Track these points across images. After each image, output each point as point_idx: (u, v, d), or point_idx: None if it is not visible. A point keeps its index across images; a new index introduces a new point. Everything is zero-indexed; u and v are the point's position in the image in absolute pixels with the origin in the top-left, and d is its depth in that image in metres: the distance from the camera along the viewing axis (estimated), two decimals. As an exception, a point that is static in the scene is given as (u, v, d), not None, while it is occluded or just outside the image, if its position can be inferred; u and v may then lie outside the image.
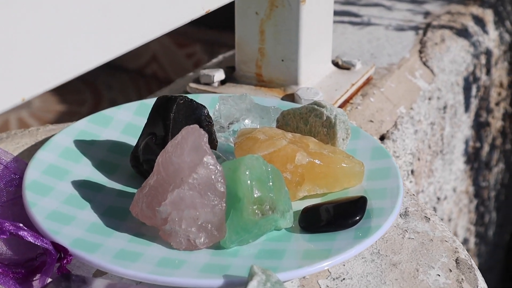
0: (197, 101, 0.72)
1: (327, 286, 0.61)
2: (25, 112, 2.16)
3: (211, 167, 0.62)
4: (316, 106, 0.73)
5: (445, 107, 1.08)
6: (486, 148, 1.30)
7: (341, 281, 0.62)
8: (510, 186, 1.52)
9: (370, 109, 0.93)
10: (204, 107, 0.73)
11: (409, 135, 0.95)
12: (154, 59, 2.36)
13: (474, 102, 1.20)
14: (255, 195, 0.62)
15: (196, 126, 0.64)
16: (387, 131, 0.91)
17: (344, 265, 0.64)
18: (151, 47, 2.34)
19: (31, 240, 0.58)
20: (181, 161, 0.63)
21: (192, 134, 0.63)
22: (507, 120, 1.39)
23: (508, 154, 1.44)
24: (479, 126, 1.25)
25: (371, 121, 0.91)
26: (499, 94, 1.33)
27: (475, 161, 1.26)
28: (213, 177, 0.62)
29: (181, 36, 2.29)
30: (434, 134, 1.05)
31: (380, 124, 0.91)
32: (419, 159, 0.99)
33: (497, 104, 1.32)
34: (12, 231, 0.58)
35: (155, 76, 2.36)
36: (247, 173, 0.62)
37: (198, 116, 0.72)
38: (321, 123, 0.73)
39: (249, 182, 0.62)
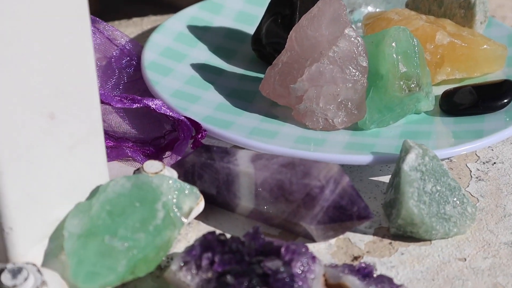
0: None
1: (478, 170, 0.57)
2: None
3: (353, 39, 0.57)
4: (453, -14, 0.67)
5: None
6: None
7: (492, 165, 0.57)
8: None
9: (491, 4, 0.86)
10: (330, -13, 0.68)
11: (532, 33, 0.89)
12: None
13: None
14: (402, 71, 0.57)
15: (334, -3, 0.59)
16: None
17: (492, 150, 0.59)
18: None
19: (165, 112, 0.55)
20: (318, 34, 0.58)
21: (330, 5, 0.58)
22: None
23: None
24: None
25: (493, 16, 0.85)
26: None
27: None
28: (355, 50, 0.57)
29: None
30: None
31: (502, 20, 0.85)
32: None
33: None
34: (145, 101, 0.54)
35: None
36: (393, 44, 0.57)
37: (324, -4, 0.67)
38: (458, 4, 0.67)
39: (394, 55, 0.57)
